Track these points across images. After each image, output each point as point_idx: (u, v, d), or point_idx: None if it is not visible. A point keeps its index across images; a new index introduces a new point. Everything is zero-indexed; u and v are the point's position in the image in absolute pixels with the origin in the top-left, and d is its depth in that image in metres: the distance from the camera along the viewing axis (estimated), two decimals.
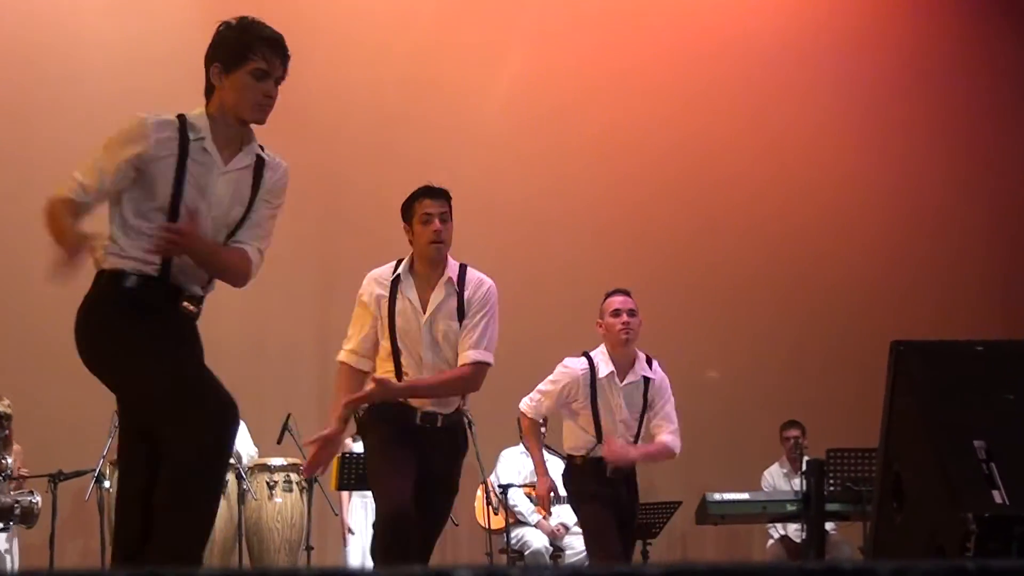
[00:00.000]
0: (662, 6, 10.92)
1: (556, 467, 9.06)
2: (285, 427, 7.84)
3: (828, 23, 11.15)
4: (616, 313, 6.22)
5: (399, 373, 4.94)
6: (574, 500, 6.39)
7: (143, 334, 3.87)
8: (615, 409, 6.24)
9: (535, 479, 8.63)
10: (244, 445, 8.28)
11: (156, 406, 3.78)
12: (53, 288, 9.32)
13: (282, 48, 3.97)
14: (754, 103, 10.87)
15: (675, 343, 9.24)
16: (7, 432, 7.42)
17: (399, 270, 5.01)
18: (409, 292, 4.97)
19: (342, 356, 5.07)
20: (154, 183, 3.87)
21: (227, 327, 9.09)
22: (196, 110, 3.98)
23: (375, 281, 5.03)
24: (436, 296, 4.98)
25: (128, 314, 3.87)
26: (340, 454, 7.87)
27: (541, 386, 6.38)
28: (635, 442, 6.31)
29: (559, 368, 6.34)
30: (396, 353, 4.95)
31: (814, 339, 10.64)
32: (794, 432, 9.22)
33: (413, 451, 4.90)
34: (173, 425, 3.72)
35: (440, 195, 4.99)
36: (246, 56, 3.92)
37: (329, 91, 9.48)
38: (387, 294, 4.97)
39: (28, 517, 7.40)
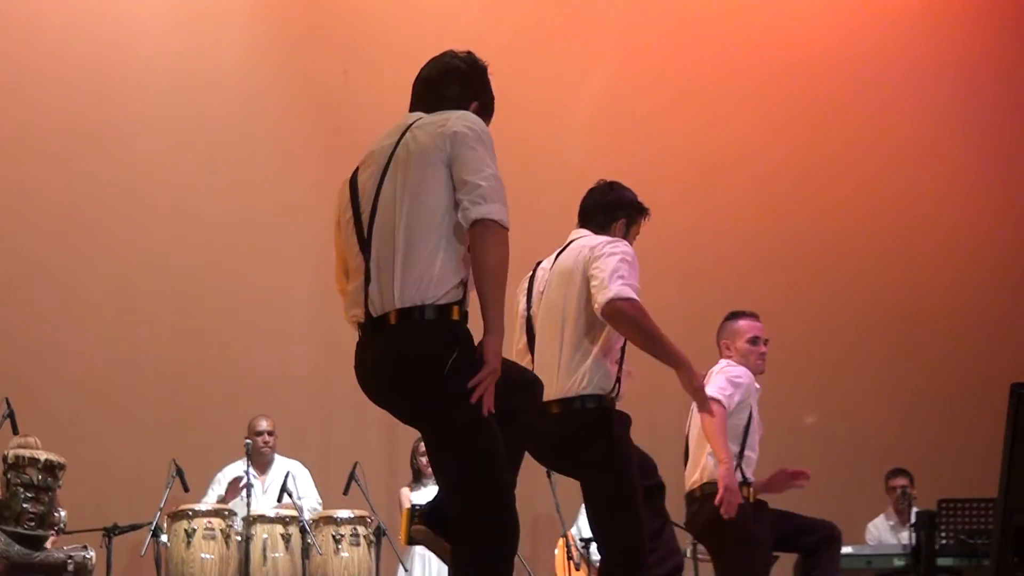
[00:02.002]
0: (757, 11, 10.87)
1: None
2: (352, 477, 7.73)
3: (940, 36, 11.09)
4: (755, 341, 6.10)
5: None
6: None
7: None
8: (759, 428, 6.05)
9: None
10: (308, 497, 8.15)
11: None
12: (107, 340, 9.29)
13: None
14: (862, 116, 10.79)
15: (768, 386, 9.08)
16: (60, 484, 7.33)
17: None
18: None
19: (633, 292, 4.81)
20: None
21: (293, 375, 9.09)
22: None
23: None
24: None
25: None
26: (410, 507, 7.72)
27: (725, 384, 5.86)
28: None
29: (731, 372, 5.94)
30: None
31: (922, 380, 10.47)
32: (901, 481, 9.13)
33: None
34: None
35: None
36: (492, 110, 4.05)
37: (398, 114, 9.43)
38: None
39: (81, 573, 7.27)
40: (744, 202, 10.44)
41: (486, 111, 3.97)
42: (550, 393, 4.51)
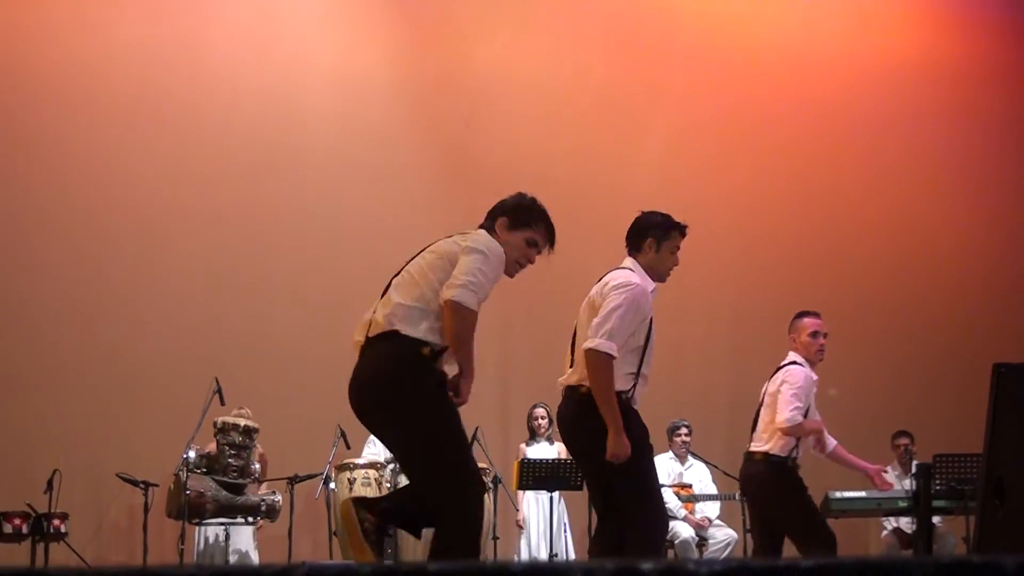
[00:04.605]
0: (788, 80, 10.99)
1: (701, 473, 9.12)
2: (474, 438, 8.00)
3: (942, 83, 11.24)
4: (815, 335, 5.97)
5: (639, 375, 4.81)
6: (786, 499, 5.89)
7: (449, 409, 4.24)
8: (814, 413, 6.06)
9: (681, 481, 8.78)
10: None
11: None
12: (290, 333, 9.39)
13: (553, 235, 4.42)
14: (876, 153, 10.95)
15: None
16: (255, 443, 7.92)
17: (648, 285, 4.87)
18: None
19: (613, 350, 4.66)
20: None
21: None
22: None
23: (647, 295, 4.83)
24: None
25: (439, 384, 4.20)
26: (520, 459, 8.10)
27: (792, 399, 5.76)
28: None
29: (792, 377, 5.85)
30: (643, 357, 4.82)
31: (921, 359, 10.68)
32: (904, 440, 9.40)
33: None
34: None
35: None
36: (529, 225, 4.36)
37: (508, 158, 9.70)
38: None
39: (271, 513, 7.92)
40: (778, 229, 10.60)
41: (515, 227, 4.30)
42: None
